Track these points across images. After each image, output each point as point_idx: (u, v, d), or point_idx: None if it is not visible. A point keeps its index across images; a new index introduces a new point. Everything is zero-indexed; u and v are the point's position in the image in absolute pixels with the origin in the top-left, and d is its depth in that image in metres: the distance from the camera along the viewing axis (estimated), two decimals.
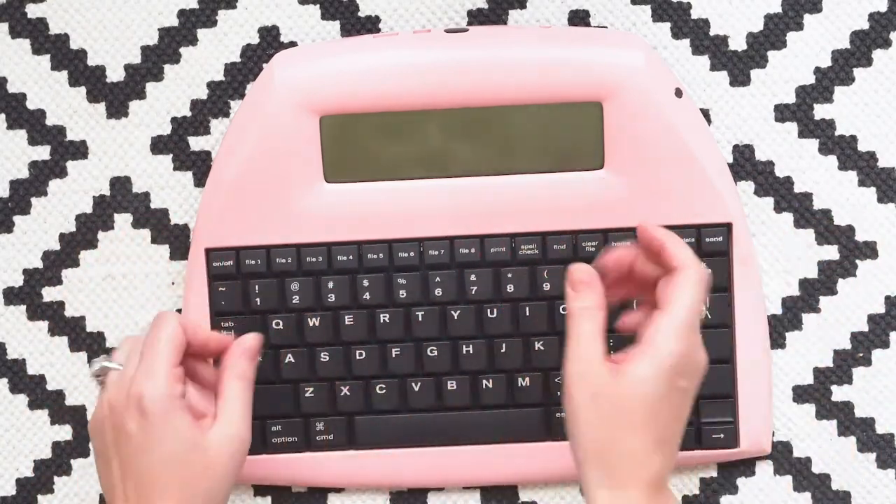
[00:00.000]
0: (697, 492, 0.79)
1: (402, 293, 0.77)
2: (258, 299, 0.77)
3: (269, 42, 0.79)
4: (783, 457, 0.79)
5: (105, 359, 0.69)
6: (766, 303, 0.78)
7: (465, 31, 0.76)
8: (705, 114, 0.79)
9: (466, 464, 0.78)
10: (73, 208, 0.80)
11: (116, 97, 0.80)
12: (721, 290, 0.76)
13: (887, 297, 0.79)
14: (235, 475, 0.68)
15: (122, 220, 0.80)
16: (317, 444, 0.78)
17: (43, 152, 0.80)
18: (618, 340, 0.71)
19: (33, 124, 0.80)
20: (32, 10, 0.80)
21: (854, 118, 0.79)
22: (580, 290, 0.68)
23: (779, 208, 0.79)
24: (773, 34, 0.79)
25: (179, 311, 0.79)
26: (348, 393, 0.77)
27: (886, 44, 0.79)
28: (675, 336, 0.65)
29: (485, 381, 0.77)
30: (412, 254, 0.77)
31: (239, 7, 0.80)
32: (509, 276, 0.76)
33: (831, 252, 0.79)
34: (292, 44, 0.79)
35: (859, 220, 0.79)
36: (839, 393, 0.79)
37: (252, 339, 0.70)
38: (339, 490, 0.79)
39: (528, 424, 0.77)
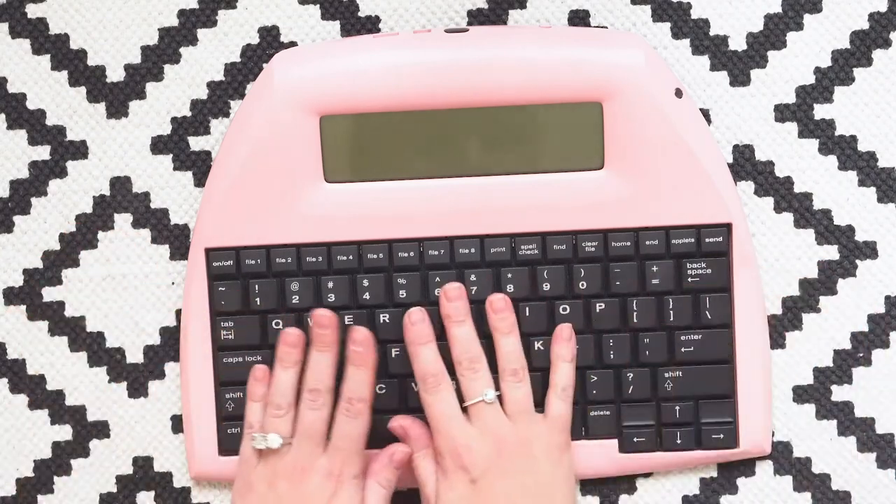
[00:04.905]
0: (697, 492, 0.79)
1: (402, 293, 0.77)
2: (258, 299, 0.77)
3: (269, 42, 0.79)
4: (783, 457, 0.79)
5: (275, 437, 0.73)
6: (766, 303, 0.78)
7: (465, 31, 0.76)
8: (705, 114, 0.79)
9: None
10: (73, 208, 0.80)
11: (116, 97, 0.80)
12: (721, 291, 0.76)
13: (887, 297, 0.79)
14: None
15: (122, 220, 0.80)
16: None
17: (43, 152, 0.80)
18: None
19: (33, 124, 0.80)
20: (32, 10, 0.80)
21: (854, 118, 0.79)
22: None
23: (779, 208, 0.79)
24: (773, 34, 0.79)
25: (179, 311, 0.79)
26: None
27: (886, 44, 0.79)
28: None
29: None
30: (412, 254, 0.76)
31: (239, 7, 0.80)
32: (509, 276, 0.76)
33: (831, 252, 0.79)
34: (292, 44, 0.79)
35: (859, 220, 0.79)
36: (839, 393, 0.79)
37: (401, 453, 0.75)
38: None
39: None
